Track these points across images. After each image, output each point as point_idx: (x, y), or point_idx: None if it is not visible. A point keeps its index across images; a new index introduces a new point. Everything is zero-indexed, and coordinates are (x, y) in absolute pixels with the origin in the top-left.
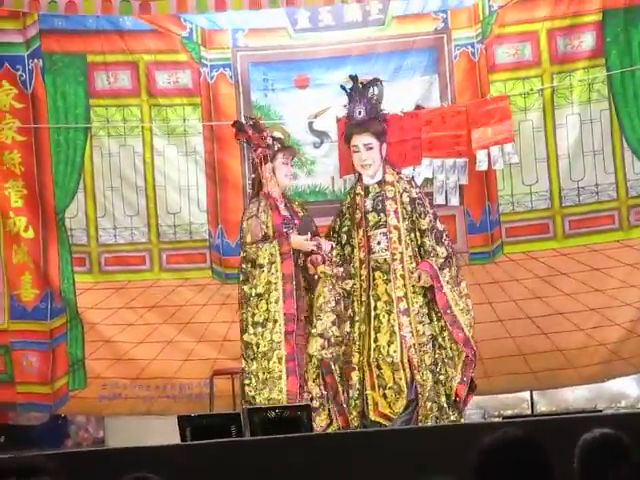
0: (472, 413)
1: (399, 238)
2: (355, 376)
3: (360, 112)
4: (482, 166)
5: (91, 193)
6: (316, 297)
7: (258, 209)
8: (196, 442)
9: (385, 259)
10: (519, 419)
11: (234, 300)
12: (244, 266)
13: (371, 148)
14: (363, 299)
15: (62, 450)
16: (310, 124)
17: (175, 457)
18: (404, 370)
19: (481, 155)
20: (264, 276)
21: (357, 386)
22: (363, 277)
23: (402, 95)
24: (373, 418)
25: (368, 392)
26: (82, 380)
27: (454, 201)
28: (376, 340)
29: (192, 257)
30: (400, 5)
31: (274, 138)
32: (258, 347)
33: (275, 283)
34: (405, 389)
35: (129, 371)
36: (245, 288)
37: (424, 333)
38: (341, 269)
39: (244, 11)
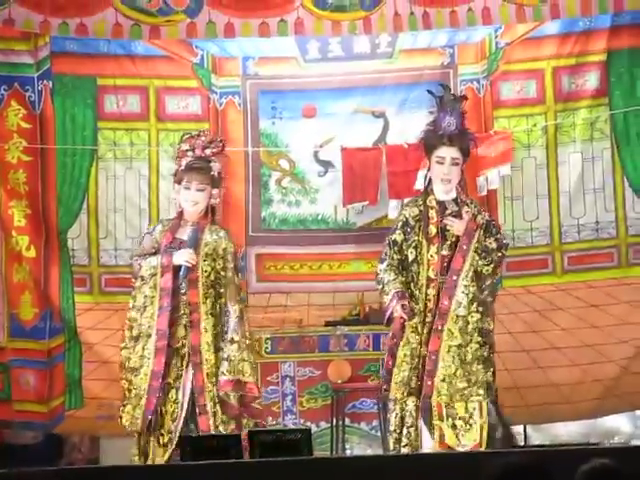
0: None
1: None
2: (412, 403)
3: (451, 124)
4: (482, 191)
5: (94, 214)
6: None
7: (155, 227)
8: (195, 462)
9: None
10: (517, 449)
11: None
12: (133, 281)
13: (457, 164)
14: (427, 320)
15: (60, 467)
16: (315, 153)
17: (173, 477)
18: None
19: (481, 181)
20: (144, 289)
21: (412, 414)
22: (430, 297)
23: (408, 127)
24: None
25: (435, 422)
26: (79, 400)
27: None
28: None
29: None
30: (408, 39)
31: (195, 159)
32: (129, 362)
33: (152, 297)
34: (478, 418)
35: None
36: (130, 302)
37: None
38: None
39: (255, 39)
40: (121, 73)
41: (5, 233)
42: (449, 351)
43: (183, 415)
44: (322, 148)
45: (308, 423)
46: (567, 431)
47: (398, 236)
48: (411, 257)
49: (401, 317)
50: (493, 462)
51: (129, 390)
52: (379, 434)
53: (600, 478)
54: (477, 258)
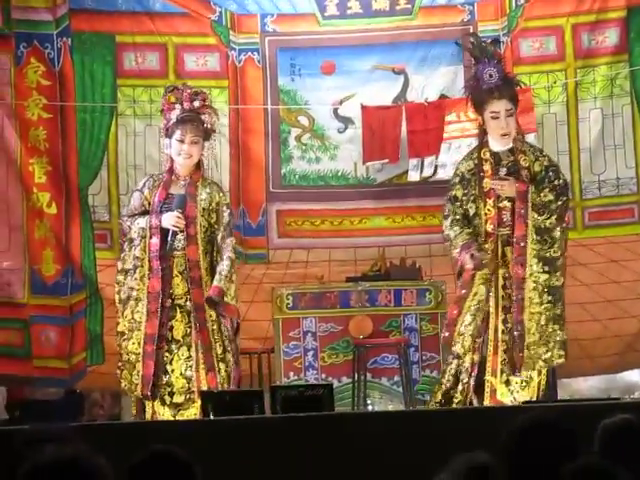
0: None
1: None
2: (469, 361)
3: (492, 75)
4: None
5: (114, 171)
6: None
7: (145, 183)
8: (218, 418)
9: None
10: (538, 404)
11: (253, 280)
12: (122, 241)
13: (511, 115)
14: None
15: (84, 423)
16: (335, 110)
17: (197, 432)
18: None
19: None
20: (132, 251)
21: (468, 371)
22: (489, 251)
23: (427, 85)
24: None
25: (487, 378)
26: (100, 356)
27: None
28: (505, 321)
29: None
30: None
31: (185, 111)
32: (117, 326)
33: (142, 259)
34: (536, 376)
35: None
36: (118, 264)
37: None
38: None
39: None
40: (139, 30)
41: (26, 190)
42: (530, 319)
43: (197, 370)
44: (342, 105)
45: (330, 378)
46: (587, 386)
47: (457, 191)
48: (472, 211)
49: (472, 268)
50: (514, 417)
51: (121, 355)
52: (400, 389)
53: (622, 433)
54: (537, 216)
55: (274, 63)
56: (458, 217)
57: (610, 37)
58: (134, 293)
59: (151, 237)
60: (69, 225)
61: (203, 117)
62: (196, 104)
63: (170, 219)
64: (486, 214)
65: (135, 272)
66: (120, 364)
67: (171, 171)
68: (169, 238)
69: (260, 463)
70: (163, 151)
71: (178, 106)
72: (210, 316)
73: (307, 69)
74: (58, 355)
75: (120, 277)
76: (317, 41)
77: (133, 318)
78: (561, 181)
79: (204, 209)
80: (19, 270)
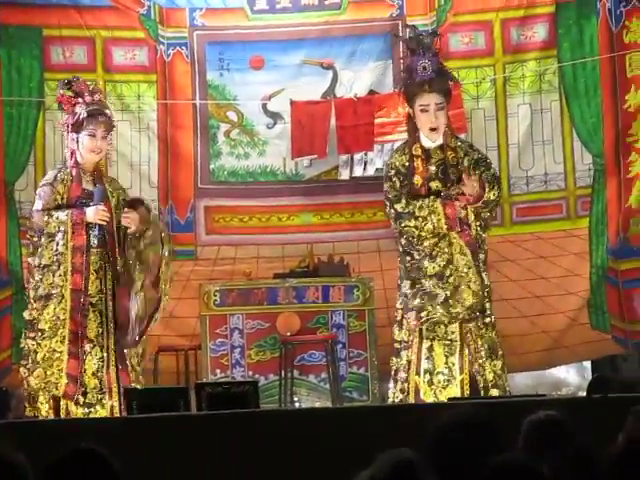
0: None
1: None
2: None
3: (426, 67)
4: None
5: (42, 166)
6: None
7: (56, 177)
8: (142, 415)
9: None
10: (465, 401)
11: (181, 277)
12: (30, 236)
13: (442, 108)
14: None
15: (4, 420)
16: (264, 105)
17: (119, 430)
18: None
19: None
20: (52, 246)
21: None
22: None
23: (356, 80)
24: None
25: (412, 377)
26: None
27: None
28: None
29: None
30: None
31: (89, 105)
32: (38, 323)
33: (64, 254)
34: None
35: None
36: (30, 260)
37: None
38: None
39: None
40: (67, 24)
41: None
42: None
43: (114, 370)
44: (271, 100)
45: (257, 376)
46: (515, 383)
47: (396, 180)
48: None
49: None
50: (441, 414)
51: (36, 352)
52: (328, 386)
53: (546, 429)
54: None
55: (203, 58)
56: (408, 194)
57: (539, 32)
58: (56, 290)
59: (73, 232)
60: None
61: (107, 111)
62: (97, 97)
63: (97, 214)
64: None
65: (59, 268)
66: (30, 362)
67: (77, 166)
68: (96, 232)
69: (184, 460)
70: (67, 146)
71: (80, 100)
72: None
73: (236, 64)
74: None
75: (37, 273)
76: (246, 35)
77: (56, 316)
78: (491, 176)
79: (115, 205)
80: None
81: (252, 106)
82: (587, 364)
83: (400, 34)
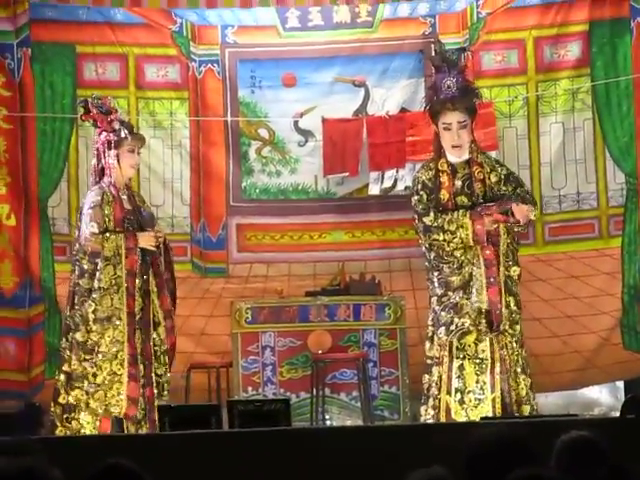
0: None
1: None
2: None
3: (450, 86)
4: None
5: (75, 183)
6: None
7: (102, 199)
8: (174, 432)
9: None
10: (497, 420)
11: (212, 294)
12: (80, 258)
13: (465, 126)
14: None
15: (39, 436)
16: (295, 123)
17: (153, 446)
18: None
19: None
20: (109, 270)
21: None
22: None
23: (388, 98)
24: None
25: (442, 396)
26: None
27: None
28: None
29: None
30: (389, 9)
31: (122, 123)
32: (99, 346)
33: (120, 277)
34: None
35: None
36: (82, 282)
37: None
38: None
39: (234, 8)
40: (100, 41)
41: None
42: None
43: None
44: (302, 117)
45: (288, 393)
46: (547, 402)
47: (424, 194)
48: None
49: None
50: (473, 433)
51: (95, 375)
52: (359, 405)
53: (579, 449)
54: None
55: (234, 75)
56: (436, 207)
57: (572, 51)
58: (116, 313)
59: (127, 256)
60: (28, 237)
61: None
62: (119, 115)
63: (149, 240)
64: None
65: (117, 291)
66: (87, 384)
67: (114, 184)
68: (148, 258)
69: (215, 477)
70: (104, 164)
71: (111, 117)
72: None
73: (267, 81)
74: (17, 368)
75: (96, 295)
76: (278, 53)
77: (115, 338)
78: (526, 189)
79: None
80: None
81: (283, 124)
82: (620, 384)
83: (432, 52)
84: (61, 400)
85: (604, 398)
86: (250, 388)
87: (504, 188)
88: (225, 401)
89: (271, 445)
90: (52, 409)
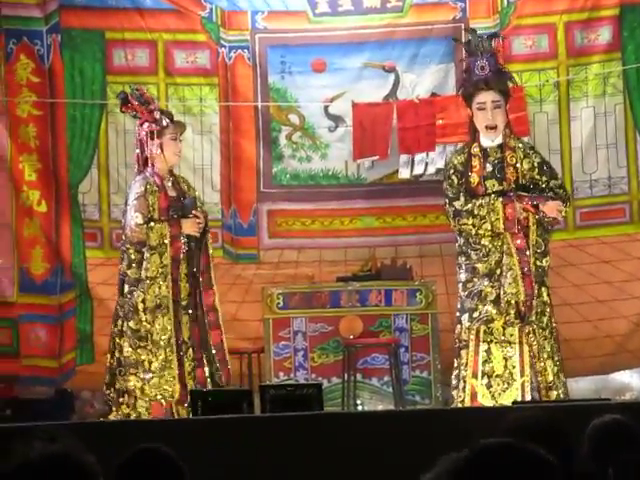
0: None
1: None
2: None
3: (484, 67)
4: None
5: (105, 169)
6: None
7: (146, 189)
8: (207, 417)
9: None
10: (529, 404)
11: (244, 280)
12: (127, 247)
13: (499, 107)
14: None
15: (72, 421)
16: (326, 108)
17: (185, 430)
18: None
19: None
20: (155, 259)
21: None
22: None
23: (418, 83)
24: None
25: (468, 380)
26: (90, 355)
27: None
28: None
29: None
30: None
31: (162, 112)
32: (151, 334)
33: (167, 266)
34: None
35: None
36: (130, 272)
37: None
38: None
39: None
40: (129, 27)
41: (16, 188)
42: None
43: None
44: (332, 103)
45: (320, 379)
46: (578, 387)
47: (455, 178)
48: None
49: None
50: (507, 417)
51: (150, 362)
52: (390, 390)
53: (612, 433)
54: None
55: (264, 61)
56: (466, 192)
57: (603, 35)
58: (164, 301)
59: (172, 244)
60: (59, 224)
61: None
62: (157, 103)
63: (192, 226)
64: None
65: (165, 280)
66: (142, 372)
67: (157, 173)
68: (193, 244)
69: (248, 462)
70: (153, 153)
71: (151, 106)
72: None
73: (297, 67)
74: (48, 354)
75: (145, 285)
76: (308, 38)
77: (165, 326)
78: (559, 182)
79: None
80: (8, 269)
81: (314, 109)
82: None
83: (463, 37)
84: (117, 385)
85: (635, 383)
86: (282, 373)
87: (537, 177)
88: (257, 386)
89: (303, 430)
90: (108, 394)
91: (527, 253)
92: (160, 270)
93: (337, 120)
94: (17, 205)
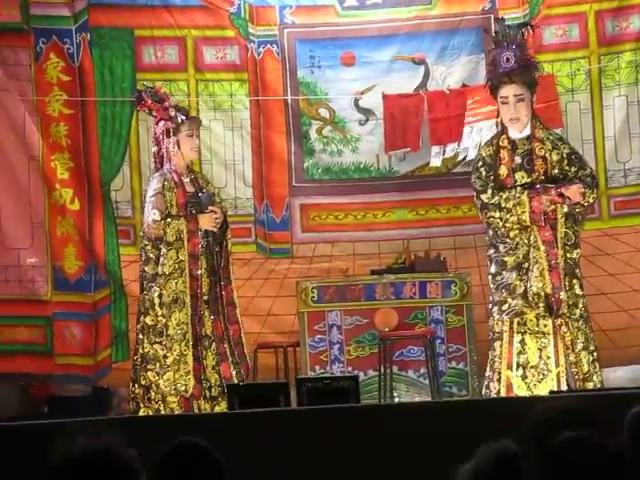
0: None
1: None
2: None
3: (509, 59)
4: None
5: (136, 166)
6: None
7: (163, 186)
8: (244, 410)
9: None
10: (565, 394)
11: (277, 275)
12: (144, 244)
13: (522, 100)
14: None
15: (110, 416)
16: (356, 101)
17: (223, 424)
18: None
19: None
20: (172, 254)
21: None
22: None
23: (448, 75)
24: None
25: (503, 371)
26: (125, 352)
27: None
28: None
29: (237, 232)
30: None
31: (177, 109)
32: (167, 329)
33: (183, 261)
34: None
35: None
36: (147, 268)
37: None
38: None
39: None
40: (158, 24)
41: (48, 186)
42: None
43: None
44: (362, 96)
45: (356, 371)
46: (616, 377)
47: (483, 171)
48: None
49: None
50: (540, 406)
51: (165, 357)
52: (427, 382)
53: None
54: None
55: (293, 55)
56: (495, 185)
57: (634, 23)
58: (180, 297)
59: (189, 240)
60: (92, 221)
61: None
62: (172, 101)
63: (209, 221)
64: None
65: (181, 275)
66: (159, 366)
67: (175, 170)
68: (210, 239)
69: (285, 455)
70: (164, 151)
71: (166, 104)
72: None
73: (326, 61)
74: (83, 352)
75: (161, 280)
76: (336, 32)
77: (181, 321)
78: (588, 172)
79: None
80: (42, 267)
81: (344, 103)
82: None
83: (492, 28)
84: (142, 382)
85: None
86: (318, 367)
87: (566, 168)
88: (294, 379)
89: (340, 422)
90: (133, 390)
91: (554, 246)
92: (177, 266)
93: (367, 113)
94: (50, 204)
